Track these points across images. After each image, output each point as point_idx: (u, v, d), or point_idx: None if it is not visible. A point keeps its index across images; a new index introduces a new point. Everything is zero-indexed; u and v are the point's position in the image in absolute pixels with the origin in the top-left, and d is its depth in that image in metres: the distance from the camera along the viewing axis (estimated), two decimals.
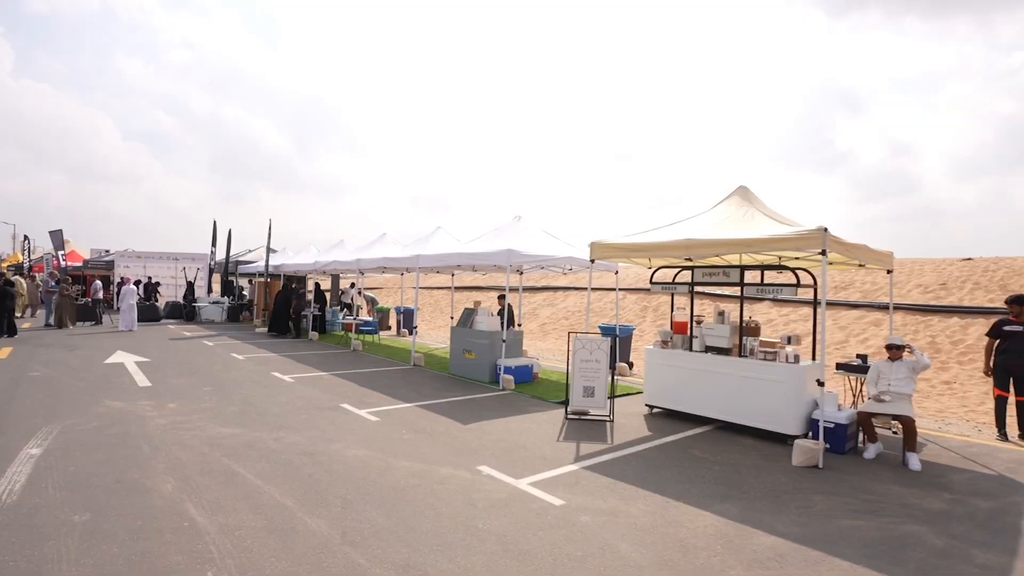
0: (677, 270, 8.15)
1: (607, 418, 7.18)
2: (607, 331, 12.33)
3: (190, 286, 22.77)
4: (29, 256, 35.68)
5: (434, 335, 19.49)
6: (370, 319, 18.78)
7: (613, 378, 7.21)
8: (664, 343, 7.62)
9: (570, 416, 7.22)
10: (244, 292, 24.05)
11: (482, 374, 9.79)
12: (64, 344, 12.87)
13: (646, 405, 7.68)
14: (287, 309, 16.87)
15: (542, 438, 6.17)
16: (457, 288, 30.61)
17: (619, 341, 12.18)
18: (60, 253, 27.24)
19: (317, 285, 18.30)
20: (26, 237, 39.24)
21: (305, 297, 16.97)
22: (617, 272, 11.32)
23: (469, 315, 10.53)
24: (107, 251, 32.86)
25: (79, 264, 29.43)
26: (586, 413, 7.38)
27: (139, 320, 16.64)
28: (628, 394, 8.96)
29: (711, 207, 7.72)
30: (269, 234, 18.52)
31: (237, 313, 21.77)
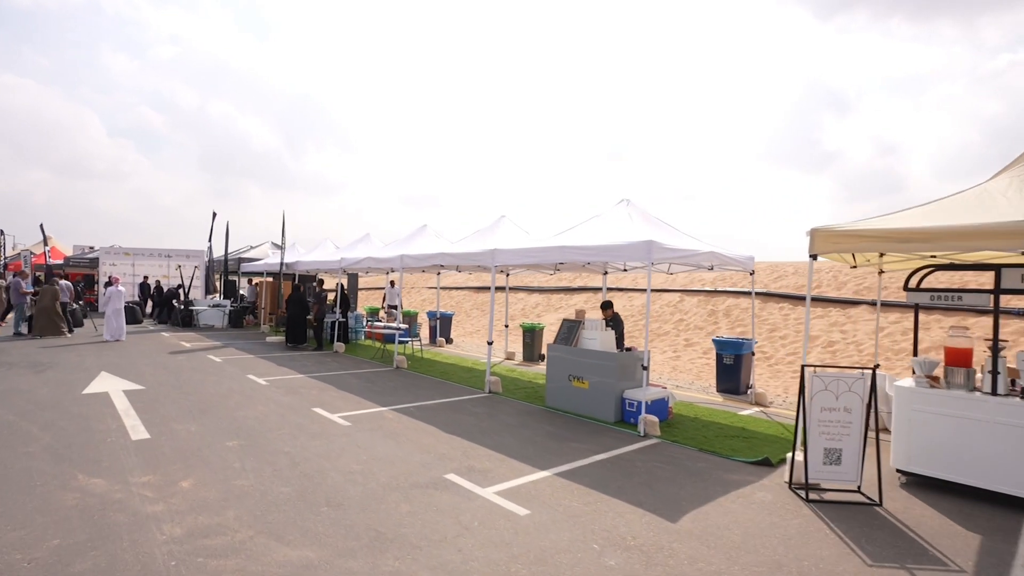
0: (927, 270, 5.63)
1: (869, 499, 4.64)
2: (728, 346, 9.84)
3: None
4: (3, 253, 32.61)
5: (471, 343, 16.86)
6: (403, 326, 16.18)
7: (877, 436, 4.67)
8: (932, 380, 5.09)
9: (809, 498, 4.67)
10: (243, 293, 21.29)
11: (600, 410, 7.23)
12: (32, 362, 10.12)
13: (898, 471, 5.15)
14: (304, 315, 14.20)
15: (832, 554, 3.62)
16: (472, 288, 28.03)
17: (741, 360, 9.70)
18: (45, 249, 24.40)
19: (341, 286, 15.62)
20: (1, 232, 36.09)
21: (326, 300, 14.29)
22: (753, 273, 8.80)
23: (572, 329, 7.96)
24: (91, 247, 29.93)
25: (59, 262, 26.54)
26: (818, 486, 4.85)
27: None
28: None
29: (986, 181, 5.25)
30: (283, 229, 15.85)
31: (240, 317, 19.05)
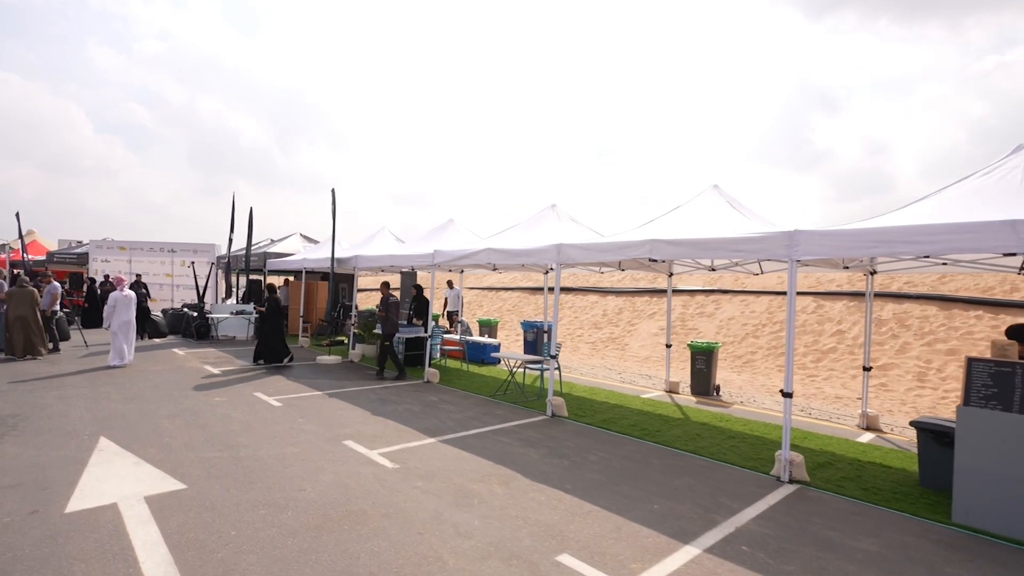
0: None
1: None
2: None
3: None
4: None
5: (578, 362, 12.99)
6: (486, 340, 12.38)
7: None
8: None
9: None
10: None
11: None
12: None
13: None
14: (279, 326, 10.79)
15: None
16: (525, 288, 24.02)
17: None
18: (19, 243, 20.39)
19: (418, 288, 11.78)
20: None
21: (396, 307, 10.30)
22: None
23: (1007, 378, 4.17)
24: (79, 242, 25.83)
25: (41, 258, 22.51)
26: None
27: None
28: None
29: None
30: (334, 211, 11.88)
31: None
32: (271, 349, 10.63)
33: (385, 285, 10.47)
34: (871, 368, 7.32)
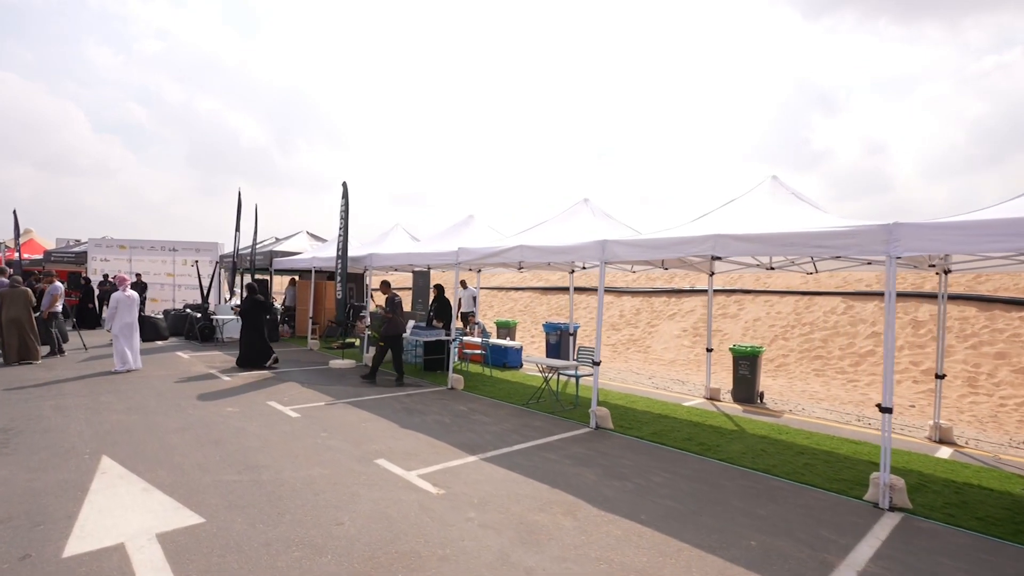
0: None
1: None
2: None
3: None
4: None
5: (608, 365, 12.34)
6: (509, 343, 11.76)
7: None
8: None
9: None
10: (281, 296, 16.74)
11: None
12: None
13: None
14: (258, 323, 10.23)
15: None
16: (536, 288, 23.42)
17: None
18: (17, 242, 19.75)
19: (439, 288, 11.18)
20: None
21: (401, 307, 9.47)
22: None
23: None
24: (77, 241, 25.20)
25: (38, 257, 21.90)
26: None
27: None
28: None
29: None
30: (346, 205, 11.19)
31: (274, 329, 14.49)
32: (254, 352, 10.04)
33: (386, 284, 9.73)
34: (944, 376, 6.70)
